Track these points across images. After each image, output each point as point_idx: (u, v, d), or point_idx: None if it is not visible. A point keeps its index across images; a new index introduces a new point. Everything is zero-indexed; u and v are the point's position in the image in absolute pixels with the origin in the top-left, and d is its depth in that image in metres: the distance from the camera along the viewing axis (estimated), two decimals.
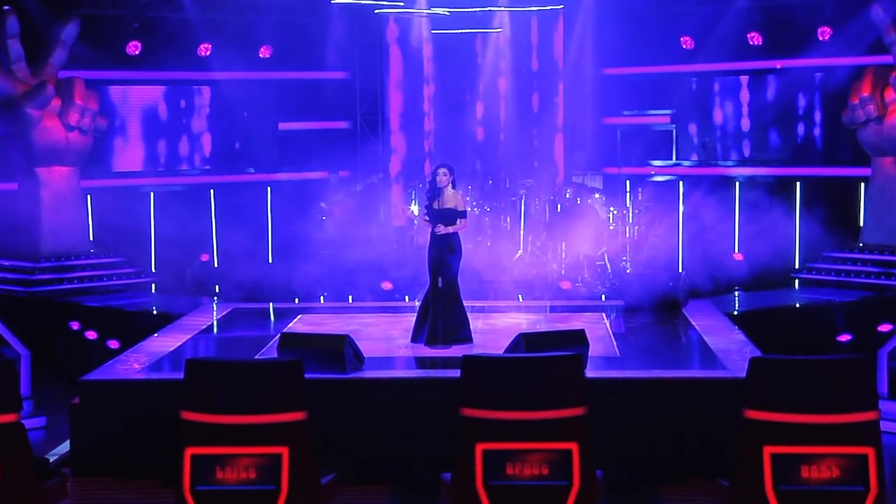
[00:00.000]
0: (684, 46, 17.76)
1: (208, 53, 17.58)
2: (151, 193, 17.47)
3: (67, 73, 15.98)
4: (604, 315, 13.36)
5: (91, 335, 13.58)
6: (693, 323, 12.62)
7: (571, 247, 15.99)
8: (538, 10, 18.22)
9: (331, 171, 18.22)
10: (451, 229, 11.14)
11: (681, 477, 9.28)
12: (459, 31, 18.83)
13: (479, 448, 6.82)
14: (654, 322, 12.89)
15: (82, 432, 9.65)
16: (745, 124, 17.92)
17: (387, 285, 14.96)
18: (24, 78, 15.50)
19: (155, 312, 14.05)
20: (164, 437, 8.78)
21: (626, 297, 13.77)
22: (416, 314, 11.56)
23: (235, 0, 17.58)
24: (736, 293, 14.90)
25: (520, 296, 14.82)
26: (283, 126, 18.83)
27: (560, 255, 16.04)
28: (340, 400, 9.55)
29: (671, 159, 18.50)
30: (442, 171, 11.14)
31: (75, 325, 13.80)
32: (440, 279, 11.08)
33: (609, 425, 8.92)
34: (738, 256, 16.35)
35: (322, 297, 14.69)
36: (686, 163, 18.38)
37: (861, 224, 16.21)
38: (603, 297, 14.89)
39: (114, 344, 13.02)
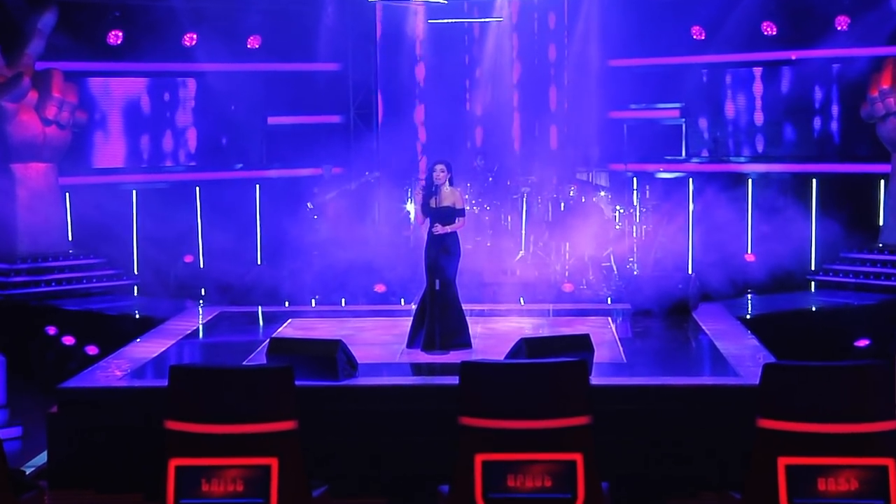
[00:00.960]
0: (695, 36, 17.75)
1: (193, 43, 17.56)
2: (134, 191, 17.46)
3: (45, 64, 15.97)
4: (610, 319, 13.37)
5: (68, 340, 13.58)
6: (704, 327, 12.63)
7: (576, 247, 16.01)
8: None
9: (324, 165, 18.19)
10: (448, 229, 11.15)
11: (690, 490, 9.28)
12: (458, 20, 18.82)
13: (479, 459, 6.83)
14: (662, 326, 12.90)
15: (60, 443, 9.64)
16: (759, 118, 17.92)
17: (380, 288, 14.97)
18: None
19: (137, 316, 14.05)
20: (147, 447, 8.79)
21: (634, 301, 13.77)
22: (412, 318, 11.57)
23: None
24: (749, 296, 14.91)
25: (521, 299, 14.84)
26: (272, 120, 18.82)
27: (564, 256, 16.05)
28: (333, 408, 9.54)
29: (680, 155, 18.50)
30: (439, 167, 11.16)
31: (52, 330, 13.79)
32: (437, 281, 11.09)
33: (615, 435, 8.94)
34: (749, 257, 16.36)
35: (313, 301, 14.71)
36: (696, 159, 18.38)
37: (881, 223, 16.22)
38: (609, 300, 14.90)
39: (92, 350, 13.02)
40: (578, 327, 12.45)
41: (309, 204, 17.32)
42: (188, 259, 17.17)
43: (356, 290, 14.86)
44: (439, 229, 11.13)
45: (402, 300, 14.59)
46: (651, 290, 13.57)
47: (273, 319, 13.56)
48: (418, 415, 9.45)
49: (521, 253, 16.62)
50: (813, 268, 16.44)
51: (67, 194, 16.57)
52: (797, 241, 15.88)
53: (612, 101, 18.59)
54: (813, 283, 15.99)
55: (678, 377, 10.25)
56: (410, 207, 16.95)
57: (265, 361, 9.95)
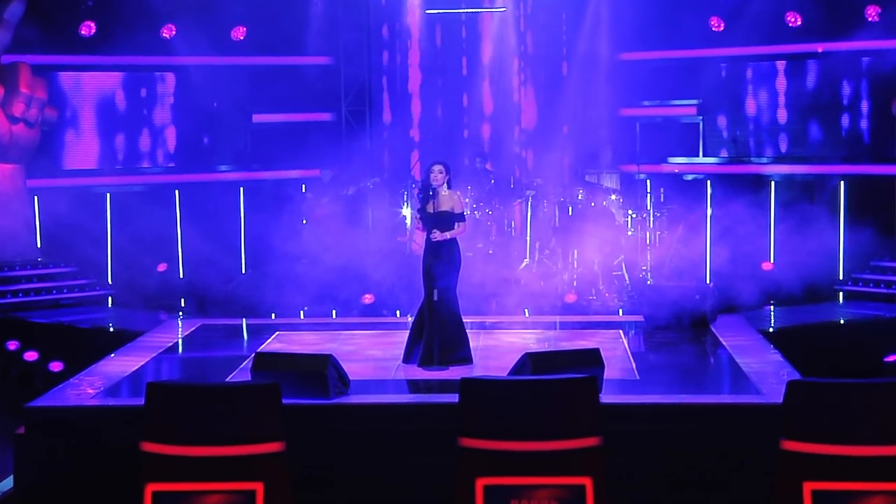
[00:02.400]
0: (713, 28, 17.76)
1: (173, 35, 17.58)
2: (108, 194, 17.47)
3: (11, 57, 15.98)
4: (621, 332, 13.37)
5: (31, 356, 13.54)
6: (723, 341, 12.63)
7: (584, 255, 16.00)
8: None
9: (323, 170, 18.20)
10: (447, 235, 11.14)
11: None
12: (456, 10, 18.83)
13: (480, 483, 6.82)
14: (678, 340, 12.90)
15: (28, 466, 9.62)
16: (782, 116, 17.93)
17: (367, 298, 14.97)
18: None
19: (111, 329, 14.05)
20: (122, 471, 8.78)
21: (647, 312, 13.77)
22: (408, 331, 11.57)
23: None
24: (772, 308, 14.91)
25: (526, 310, 14.83)
26: (257, 118, 18.82)
27: (571, 265, 16.05)
28: (322, 429, 9.54)
29: (697, 156, 18.51)
30: (437, 168, 11.15)
31: (13, 345, 13.75)
32: (435, 292, 11.08)
33: (627, 457, 8.93)
34: (767, 266, 16.36)
35: (302, 312, 14.71)
36: (714, 159, 18.39)
37: None
38: (620, 311, 14.90)
39: (56, 366, 13.01)
40: (587, 341, 12.45)
41: (304, 220, 17.27)
42: (162, 268, 17.15)
43: (348, 301, 14.86)
44: (437, 236, 11.12)
45: (398, 312, 14.59)
46: (666, 300, 13.56)
47: (258, 332, 13.55)
48: (415, 435, 9.44)
49: (526, 261, 16.62)
50: (841, 277, 16.44)
51: (36, 198, 16.58)
52: (823, 249, 15.86)
53: (624, 97, 18.58)
54: (841, 294, 15.99)
55: (695, 395, 10.25)
56: (406, 212, 16.95)
57: (250, 378, 9.95)
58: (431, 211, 11.17)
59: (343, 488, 9.37)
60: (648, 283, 15.75)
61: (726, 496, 9.26)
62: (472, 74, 19.23)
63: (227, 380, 10.68)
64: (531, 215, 16.99)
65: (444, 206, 11.15)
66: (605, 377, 9.89)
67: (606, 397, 9.27)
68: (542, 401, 6.94)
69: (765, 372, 10.90)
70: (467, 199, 16.33)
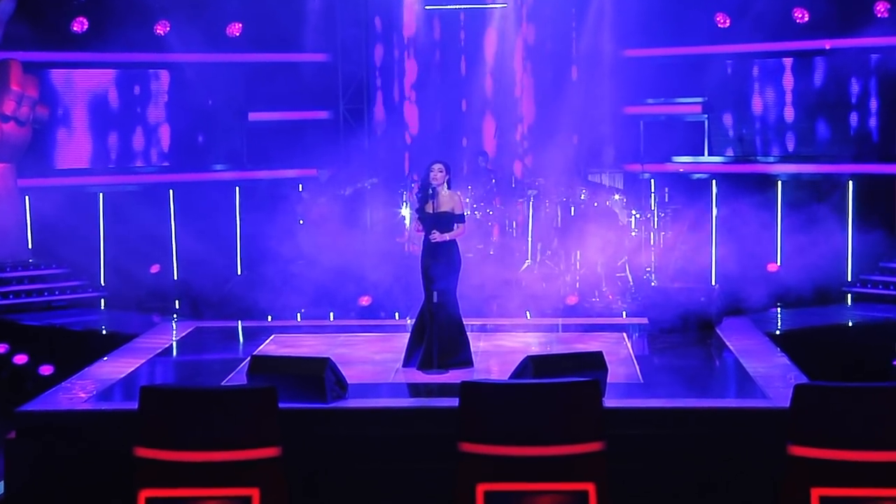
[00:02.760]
0: (719, 24, 17.76)
1: (167, 31, 17.57)
2: (101, 194, 17.46)
3: (2, 54, 15.97)
4: (625, 335, 13.38)
5: (21, 359, 13.53)
6: (728, 344, 12.63)
7: (587, 256, 16.00)
8: None
9: (320, 170, 18.19)
10: (447, 236, 11.14)
11: None
12: (457, 6, 18.82)
13: (481, 489, 6.82)
14: (683, 343, 12.90)
15: (19, 471, 9.61)
16: (789, 114, 17.93)
17: (364, 300, 14.97)
18: None
19: (104, 332, 14.04)
20: (115, 477, 8.77)
21: (651, 315, 13.77)
22: (408, 334, 11.57)
23: None
24: (778, 309, 14.91)
25: (528, 312, 14.83)
26: (253, 116, 18.81)
27: (574, 266, 16.04)
28: (320, 433, 9.54)
29: (703, 155, 18.51)
30: (437, 167, 11.14)
31: (2, 348, 13.74)
32: (435, 294, 11.08)
33: (630, 462, 8.92)
34: (772, 267, 16.35)
35: (299, 315, 14.70)
36: (720, 158, 18.39)
37: None
38: (624, 314, 14.90)
39: (46, 369, 13.00)
40: (590, 344, 12.44)
41: (301, 221, 17.27)
42: (155, 269, 17.14)
43: (345, 303, 14.86)
44: (437, 237, 11.11)
45: (397, 314, 14.59)
46: (671, 302, 13.57)
47: (254, 335, 13.55)
48: (414, 440, 9.44)
49: (528, 262, 16.62)
50: (849, 278, 16.43)
51: (27, 198, 16.57)
52: (832, 250, 15.85)
53: (628, 95, 18.58)
54: (849, 296, 15.99)
55: (700, 399, 10.25)
56: (405, 212, 16.95)
57: (245, 382, 9.95)
58: (431, 211, 11.16)
59: (341, 494, 9.37)
60: (653, 284, 15.76)
61: (732, 502, 9.26)
62: (472, 73, 19.21)
63: (223, 383, 10.69)
64: (533, 215, 16.98)
65: (444, 207, 11.13)
66: (608, 381, 9.89)
67: (610, 401, 9.27)
68: (544, 405, 6.94)
69: (771, 375, 10.90)
70: (468, 199, 16.32)
